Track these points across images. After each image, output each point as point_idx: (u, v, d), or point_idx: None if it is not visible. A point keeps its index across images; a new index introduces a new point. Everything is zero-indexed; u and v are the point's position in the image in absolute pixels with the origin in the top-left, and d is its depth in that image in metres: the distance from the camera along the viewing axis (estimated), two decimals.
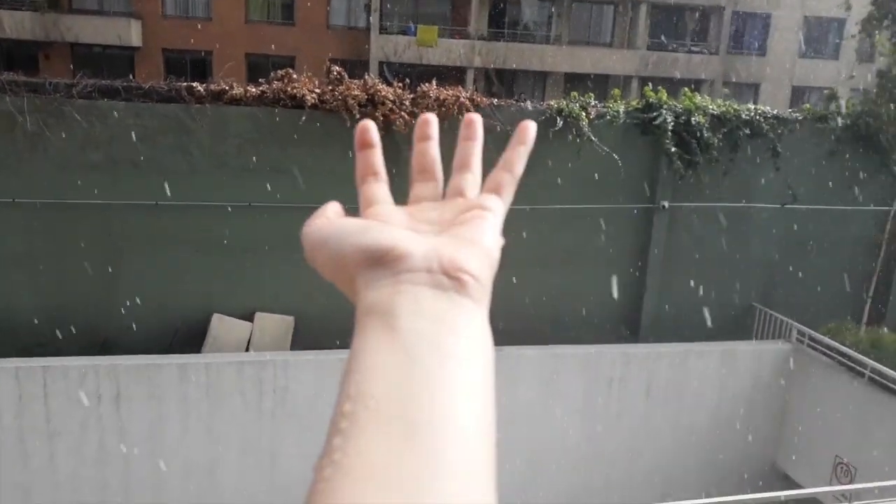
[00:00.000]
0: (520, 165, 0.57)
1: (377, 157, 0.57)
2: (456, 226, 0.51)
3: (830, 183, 10.46)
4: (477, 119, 0.59)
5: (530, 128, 0.58)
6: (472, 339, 0.43)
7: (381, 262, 0.46)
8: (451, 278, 0.45)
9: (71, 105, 8.26)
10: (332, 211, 0.53)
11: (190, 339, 8.92)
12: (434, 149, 0.59)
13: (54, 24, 22.46)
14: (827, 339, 9.42)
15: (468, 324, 0.44)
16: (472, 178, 0.57)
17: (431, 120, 0.59)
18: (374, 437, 0.37)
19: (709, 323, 10.06)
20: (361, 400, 0.39)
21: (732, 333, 10.27)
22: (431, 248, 0.46)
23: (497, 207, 0.53)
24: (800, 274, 10.55)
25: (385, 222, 0.51)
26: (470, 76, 24.66)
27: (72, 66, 22.01)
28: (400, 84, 8.97)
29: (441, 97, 8.91)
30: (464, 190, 0.56)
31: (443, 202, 0.55)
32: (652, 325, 10.30)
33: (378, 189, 0.56)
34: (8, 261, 8.44)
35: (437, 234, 0.50)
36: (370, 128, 0.57)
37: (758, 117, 10.03)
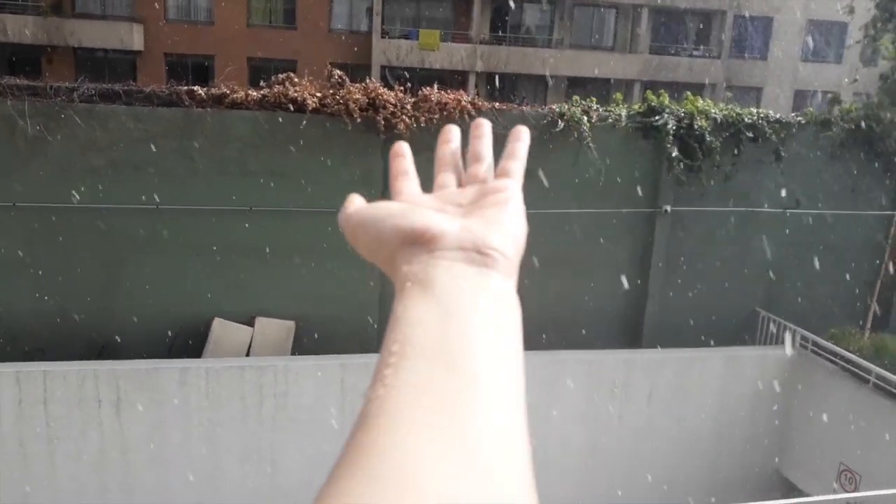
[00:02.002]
0: (523, 153, 0.63)
1: (408, 162, 0.64)
2: (481, 208, 0.56)
3: (834, 187, 10.41)
4: (485, 122, 0.68)
5: (524, 130, 0.65)
6: (501, 302, 0.49)
7: (418, 241, 0.51)
8: (481, 254, 0.50)
9: (72, 109, 8.24)
10: (357, 200, 0.59)
11: (191, 343, 8.90)
12: (456, 149, 0.67)
13: (57, 28, 22.51)
14: (831, 345, 9.36)
15: (498, 290, 0.49)
16: (486, 165, 0.63)
17: (454, 129, 0.69)
18: (421, 367, 0.42)
19: (711, 328, 10.02)
20: (406, 343, 0.44)
21: (735, 339, 10.23)
22: (463, 228, 0.52)
23: (515, 189, 0.59)
24: (803, 279, 10.50)
25: (418, 205, 0.57)
26: (471, 80, 24.66)
27: (74, 70, 22.04)
28: (401, 88, 8.95)
29: (442, 101, 8.88)
30: (480, 175, 0.62)
31: (463, 188, 0.61)
32: (654, 330, 10.25)
33: (408, 182, 0.62)
34: (9, 265, 8.43)
35: (463, 215, 0.55)
36: (404, 144, 0.66)
37: (760, 121, 9.99)
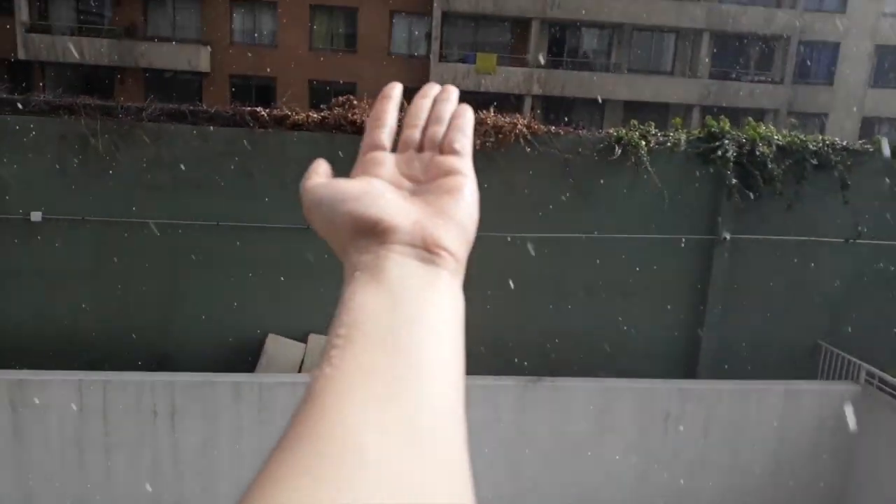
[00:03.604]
0: (469, 129, 0.63)
1: (391, 108, 0.65)
2: (434, 193, 0.57)
3: None
4: (454, 89, 0.68)
5: (467, 107, 0.66)
6: (446, 299, 0.50)
7: (371, 232, 0.53)
8: (431, 253, 0.52)
9: (140, 128, 8.57)
10: (322, 170, 0.62)
11: (246, 358, 9.06)
12: (429, 105, 0.66)
13: (129, 50, 23.50)
14: None
15: (444, 286, 0.51)
16: (444, 130, 0.63)
17: (434, 85, 0.69)
18: (366, 349, 0.44)
19: (770, 360, 9.70)
20: (353, 327, 0.46)
21: (796, 373, 9.87)
22: (414, 223, 0.53)
23: (468, 173, 0.59)
24: (869, 312, 10.09)
25: (373, 180, 0.58)
26: (527, 103, 24.70)
27: (144, 91, 22.94)
28: None
29: (498, 124, 8.91)
30: (437, 139, 0.62)
31: (422, 154, 0.62)
32: (710, 360, 9.99)
33: (380, 134, 0.63)
34: (76, 276, 8.76)
35: (416, 192, 0.57)
36: (398, 86, 0.66)
37: (826, 148, 9.71)
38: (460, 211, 0.55)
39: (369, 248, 0.52)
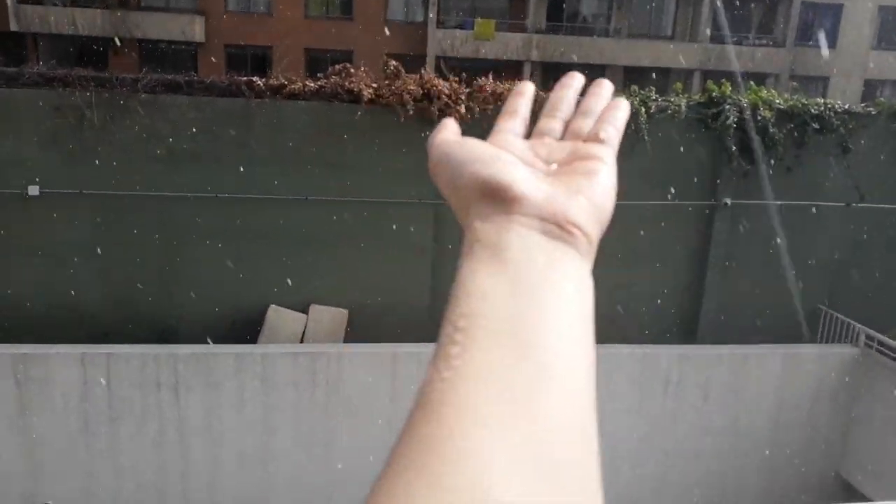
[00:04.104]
0: (621, 123, 0.59)
1: (524, 102, 0.62)
2: (570, 174, 0.52)
3: None
4: (609, 84, 0.64)
5: (623, 101, 0.62)
6: (576, 282, 0.45)
7: (496, 198, 0.48)
8: (561, 229, 0.47)
9: (136, 100, 8.49)
10: (452, 127, 0.57)
11: (246, 329, 9.10)
12: (571, 96, 0.63)
13: (123, 20, 23.18)
14: None
15: (573, 268, 0.46)
16: (592, 123, 0.59)
17: (578, 75, 0.65)
18: (489, 348, 0.39)
19: (771, 325, 9.73)
20: (474, 318, 0.41)
21: (796, 337, 9.92)
22: (546, 197, 0.48)
23: (610, 159, 0.55)
24: (868, 276, 10.11)
25: (505, 150, 0.53)
26: (526, 69, 24.45)
27: (139, 62, 22.69)
28: (456, 78, 8.93)
29: (497, 91, 8.83)
30: (583, 132, 0.58)
31: (561, 141, 0.58)
32: (711, 326, 10.02)
33: (512, 122, 0.59)
34: (75, 250, 8.75)
35: (551, 173, 0.53)
36: (530, 85, 0.64)
37: (828, 112, 9.63)
38: (596, 192, 0.51)
39: (493, 216, 0.47)
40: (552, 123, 0.60)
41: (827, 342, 9.93)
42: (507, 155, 0.52)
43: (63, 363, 8.12)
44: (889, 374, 9.01)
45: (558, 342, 0.41)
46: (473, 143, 0.53)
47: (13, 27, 22.80)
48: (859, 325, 9.48)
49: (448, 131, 0.56)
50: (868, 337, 9.36)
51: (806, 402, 9.44)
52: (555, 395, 0.38)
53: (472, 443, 0.35)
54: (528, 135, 0.59)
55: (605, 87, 0.63)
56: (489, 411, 0.37)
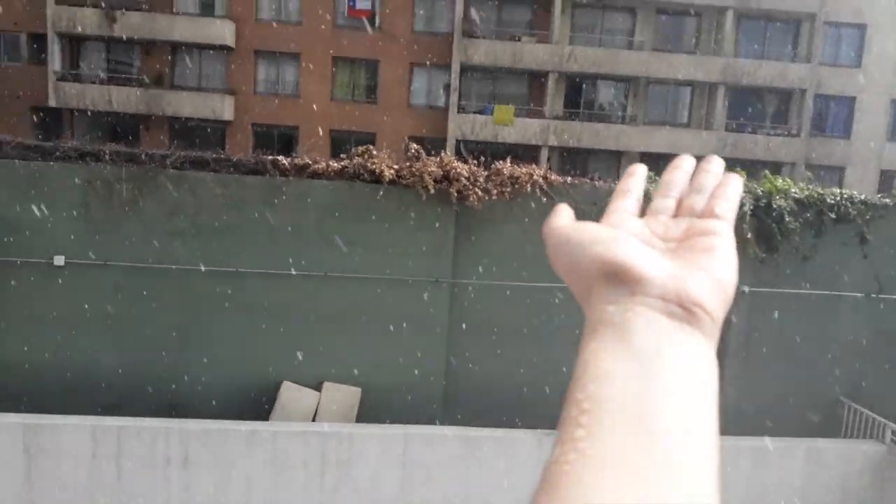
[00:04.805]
0: (735, 198, 0.59)
1: (636, 182, 0.62)
2: (690, 250, 0.52)
3: None
4: (720, 161, 0.63)
5: (736, 177, 0.61)
6: (702, 366, 0.45)
7: (619, 279, 0.48)
8: (685, 310, 0.46)
9: (164, 175, 8.74)
10: (567, 213, 0.57)
11: (259, 403, 9.03)
12: (683, 176, 0.62)
13: (156, 99, 24.11)
14: None
15: (698, 351, 0.45)
16: (706, 201, 0.59)
17: (689, 157, 0.65)
18: (615, 433, 0.39)
19: (791, 417, 9.49)
20: (599, 401, 0.41)
21: (817, 430, 9.65)
22: (669, 276, 0.48)
23: (727, 233, 0.54)
24: (891, 368, 9.90)
25: (621, 229, 0.54)
26: (544, 154, 24.92)
27: (169, 138, 23.46)
28: (475, 161, 9.13)
29: (514, 174, 9.00)
30: (697, 209, 0.58)
31: (676, 219, 0.58)
32: (728, 416, 9.78)
33: (626, 201, 0.59)
34: (94, 319, 8.83)
35: (670, 251, 0.52)
36: (641, 167, 0.64)
37: (844, 202, 9.68)
38: (717, 267, 0.50)
39: (616, 298, 0.47)
40: (666, 202, 0.60)
41: (851, 436, 9.64)
42: (625, 235, 0.52)
43: (73, 435, 8.07)
44: None
45: (684, 428, 0.41)
46: (590, 226, 0.54)
47: (52, 103, 23.77)
48: (885, 421, 9.22)
49: (563, 216, 0.56)
50: (894, 433, 9.08)
51: (831, 500, 9.09)
52: (680, 484, 0.38)
53: None
54: (642, 214, 0.60)
55: (716, 163, 0.63)
56: (614, 498, 0.37)
